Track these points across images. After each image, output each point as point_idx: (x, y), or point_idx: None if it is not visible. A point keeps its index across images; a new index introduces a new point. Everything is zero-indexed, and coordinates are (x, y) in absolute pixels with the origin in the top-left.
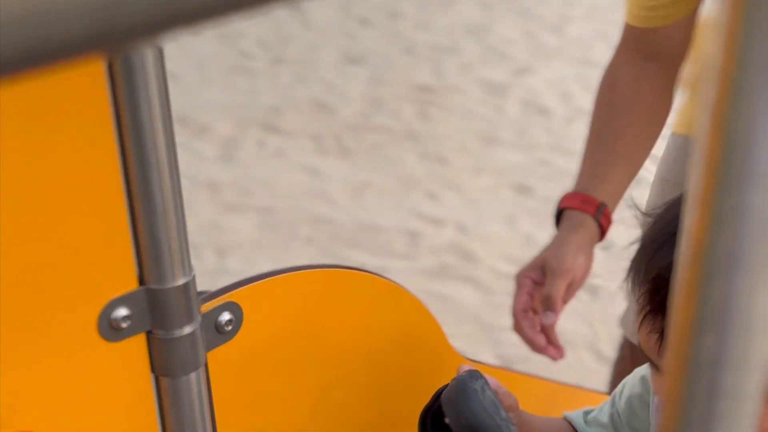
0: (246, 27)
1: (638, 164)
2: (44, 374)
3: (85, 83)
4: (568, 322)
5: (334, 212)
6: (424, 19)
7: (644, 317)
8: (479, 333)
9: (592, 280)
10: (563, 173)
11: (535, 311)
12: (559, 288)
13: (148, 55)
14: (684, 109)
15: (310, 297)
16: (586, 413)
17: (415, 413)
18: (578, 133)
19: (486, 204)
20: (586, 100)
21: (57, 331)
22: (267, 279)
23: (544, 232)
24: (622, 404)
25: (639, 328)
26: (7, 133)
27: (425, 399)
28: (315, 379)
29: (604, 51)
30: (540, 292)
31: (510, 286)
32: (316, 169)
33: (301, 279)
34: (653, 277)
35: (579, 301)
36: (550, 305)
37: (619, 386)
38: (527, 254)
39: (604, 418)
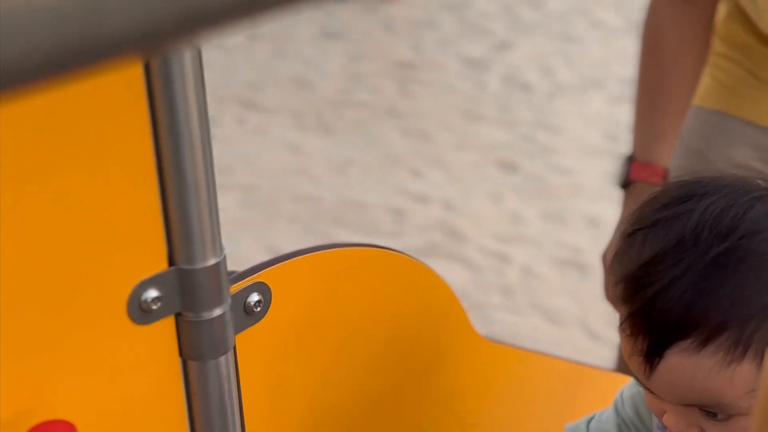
0: None
1: (687, 114)
2: (72, 359)
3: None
4: (557, 300)
5: (318, 190)
6: None
7: (624, 333)
8: (468, 311)
9: (581, 257)
10: (547, 149)
11: None
12: None
13: None
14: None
15: (338, 276)
16: (588, 421)
17: (438, 393)
18: (561, 109)
19: (471, 181)
20: (567, 76)
21: (86, 315)
22: (296, 258)
23: (531, 209)
24: (627, 411)
25: (621, 341)
26: (40, 113)
27: (448, 379)
28: (341, 359)
29: (584, 26)
30: None
31: (497, 264)
32: (297, 146)
33: (329, 258)
34: (625, 275)
35: (568, 278)
36: None
37: (618, 394)
38: (514, 231)
39: (613, 430)
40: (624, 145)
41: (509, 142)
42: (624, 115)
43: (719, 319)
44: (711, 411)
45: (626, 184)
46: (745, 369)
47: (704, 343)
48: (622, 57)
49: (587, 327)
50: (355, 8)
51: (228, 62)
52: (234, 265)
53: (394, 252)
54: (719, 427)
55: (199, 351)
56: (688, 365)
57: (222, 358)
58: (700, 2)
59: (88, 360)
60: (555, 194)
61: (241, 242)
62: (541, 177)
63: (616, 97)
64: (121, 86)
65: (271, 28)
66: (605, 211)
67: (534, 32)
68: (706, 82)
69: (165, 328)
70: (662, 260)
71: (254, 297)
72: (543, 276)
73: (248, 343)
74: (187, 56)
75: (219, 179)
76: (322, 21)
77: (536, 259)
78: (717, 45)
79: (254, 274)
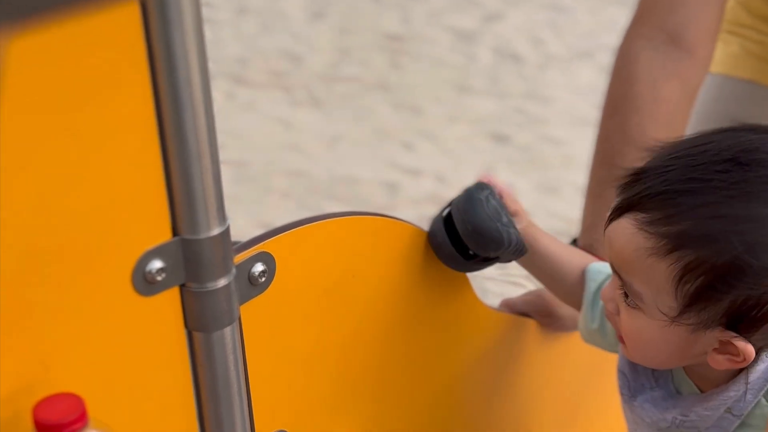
0: None
1: (706, 84)
2: (78, 332)
3: (118, 26)
4: None
5: (310, 164)
6: None
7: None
8: None
9: (574, 227)
10: (539, 121)
11: None
12: None
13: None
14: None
15: (341, 245)
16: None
17: (441, 361)
18: (551, 79)
19: (463, 153)
20: (557, 46)
21: (91, 287)
22: (299, 228)
23: (524, 181)
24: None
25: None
26: (37, 83)
27: (452, 346)
28: (345, 328)
29: None
30: None
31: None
32: (287, 121)
33: (332, 227)
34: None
35: None
36: None
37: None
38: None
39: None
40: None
41: (500, 114)
42: None
43: (673, 215)
44: (626, 292)
45: None
46: (661, 268)
47: (649, 224)
48: (610, 26)
49: None
50: None
51: (215, 37)
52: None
53: (397, 220)
54: (625, 314)
55: (204, 322)
56: (629, 233)
57: (227, 329)
58: (685, 50)
59: (93, 332)
60: (547, 165)
61: (234, 218)
62: (533, 148)
63: (606, 67)
64: (122, 55)
65: (258, 2)
66: None
67: (523, 3)
68: (733, 50)
69: (170, 299)
70: (669, 163)
71: (258, 267)
72: None
73: (253, 313)
74: (188, 20)
75: None
76: None
77: None
78: (743, 16)
79: (258, 244)
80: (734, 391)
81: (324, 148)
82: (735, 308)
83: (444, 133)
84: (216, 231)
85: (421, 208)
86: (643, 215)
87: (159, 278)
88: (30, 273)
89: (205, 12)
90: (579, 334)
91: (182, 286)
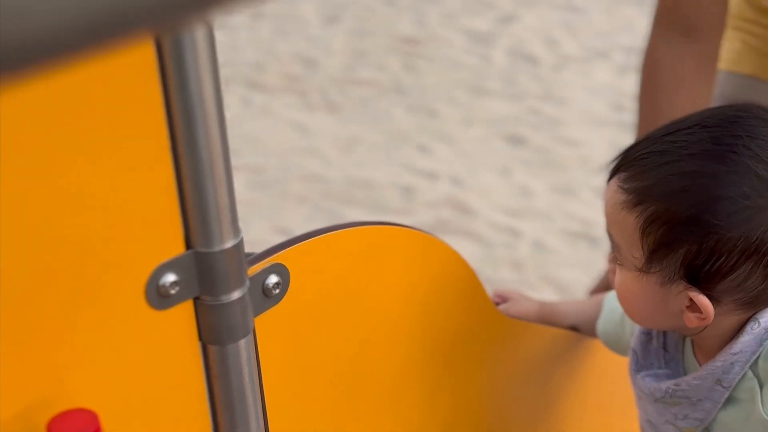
0: None
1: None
2: (92, 347)
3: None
4: (568, 273)
5: (326, 169)
6: None
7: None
8: None
9: (591, 229)
10: (554, 122)
11: None
12: None
13: None
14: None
15: (356, 256)
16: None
17: (459, 369)
18: (566, 80)
19: (479, 155)
20: (572, 47)
21: (104, 301)
22: (313, 239)
23: (539, 183)
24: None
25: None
26: (54, 98)
27: (467, 357)
28: (360, 339)
29: None
30: None
31: (507, 239)
32: (303, 125)
33: (346, 237)
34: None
35: (579, 251)
36: None
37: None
38: (523, 205)
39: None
40: (630, 115)
41: (516, 116)
42: (629, 85)
43: (642, 172)
44: (614, 252)
45: None
46: (630, 220)
47: (624, 181)
48: (626, 26)
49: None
50: None
51: (231, 42)
52: (245, 247)
53: (411, 229)
54: (617, 273)
55: (218, 335)
56: (612, 191)
57: (242, 342)
58: (699, 38)
59: (107, 347)
60: (563, 166)
61: (251, 224)
62: (549, 149)
63: (621, 67)
64: (134, 67)
65: (274, 6)
66: None
67: (538, 4)
68: (736, 46)
69: (184, 313)
70: (654, 133)
71: (273, 279)
72: (553, 249)
73: (268, 325)
74: (199, 34)
75: None
76: None
77: (546, 233)
78: (746, 11)
79: (272, 255)
80: (720, 362)
81: (340, 152)
82: (689, 261)
83: (459, 136)
84: (229, 243)
85: (438, 211)
86: (623, 174)
87: (173, 292)
88: (43, 288)
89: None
90: (588, 341)
91: (196, 299)
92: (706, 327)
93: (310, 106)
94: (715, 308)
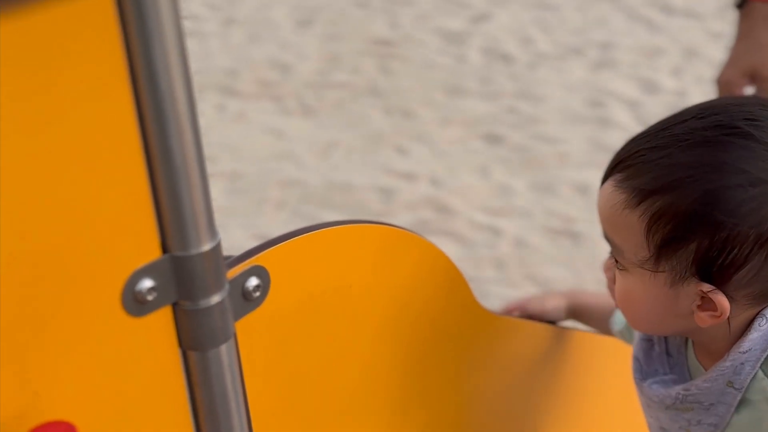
0: None
1: None
2: (68, 357)
3: (97, 38)
4: (551, 270)
5: (303, 173)
6: None
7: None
8: None
9: (573, 225)
10: (531, 120)
11: None
12: None
13: (162, 4)
14: None
15: (337, 255)
16: None
17: (443, 369)
18: (542, 78)
19: (457, 155)
20: (546, 44)
21: (79, 310)
22: (293, 239)
23: (519, 181)
24: None
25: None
26: (19, 101)
27: (454, 354)
28: (346, 339)
29: None
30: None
31: (489, 238)
32: (279, 131)
33: (327, 237)
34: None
35: (561, 248)
36: None
37: None
38: (504, 204)
39: None
40: (607, 111)
41: (493, 114)
42: (605, 81)
43: (641, 168)
44: (615, 257)
45: (741, 3)
46: (633, 219)
47: (623, 181)
48: (599, 23)
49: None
50: None
51: (203, 49)
52: (225, 253)
53: (392, 227)
54: (617, 279)
55: (198, 340)
56: (608, 192)
57: (223, 347)
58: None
59: (84, 357)
60: (542, 164)
61: (230, 230)
62: (527, 147)
63: (596, 63)
64: (102, 68)
65: (245, 12)
66: (593, 178)
67: (511, 2)
68: None
69: (162, 319)
70: (655, 126)
71: (253, 281)
72: (535, 247)
73: (249, 329)
74: (168, 28)
75: None
76: (296, 2)
77: (527, 230)
78: None
79: (251, 257)
80: (730, 361)
81: (317, 156)
82: (701, 256)
83: (437, 136)
84: (207, 246)
85: (418, 213)
86: (619, 174)
87: (150, 298)
88: (14, 298)
89: (192, 24)
90: (582, 336)
91: (174, 305)
92: (713, 327)
93: (285, 110)
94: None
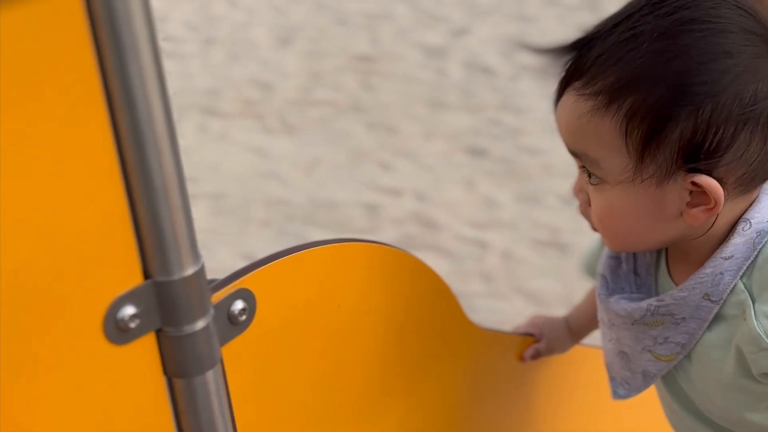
0: (170, 11)
1: None
2: (49, 387)
3: (71, 61)
4: (539, 281)
5: (287, 191)
6: None
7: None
8: None
9: (560, 236)
10: (515, 131)
11: None
12: None
13: (137, 25)
14: None
15: (323, 275)
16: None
17: (435, 386)
18: (524, 89)
19: (441, 169)
20: (527, 56)
21: (60, 339)
22: (278, 261)
23: (504, 193)
24: None
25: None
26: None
27: (445, 370)
28: (335, 360)
29: (538, 5)
30: None
31: (475, 251)
32: (262, 149)
33: (312, 257)
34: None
35: (548, 259)
36: None
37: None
38: (490, 216)
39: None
40: None
41: (476, 127)
42: None
43: (604, 69)
44: (588, 171)
45: None
46: (606, 125)
47: (585, 87)
48: (580, 33)
49: (572, 306)
50: (308, 5)
51: (184, 70)
52: (211, 274)
53: (377, 244)
54: (594, 196)
55: (184, 367)
56: (570, 103)
57: (209, 373)
58: None
59: (66, 387)
60: (527, 175)
61: (215, 251)
62: (511, 159)
63: None
64: (78, 95)
65: (225, 32)
66: None
67: (489, 15)
68: None
69: (146, 346)
70: (602, 26)
71: (238, 305)
72: (523, 259)
73: (236, 354)
74: (144, 49)
75: None
76: (276, 21)
77: (514, 243)
78: None
79: (236, 280)
80: (711, 268)
81: (301, 174)
82: (686, 142)
83: (421, 151)
84: (190, 270)
85: (404, 228)
86: (579, 82)
87: (132, 325)
88: None
89: (172, 46)
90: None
91: (158, 332)
92: (698, 231)
93: (268, 129)
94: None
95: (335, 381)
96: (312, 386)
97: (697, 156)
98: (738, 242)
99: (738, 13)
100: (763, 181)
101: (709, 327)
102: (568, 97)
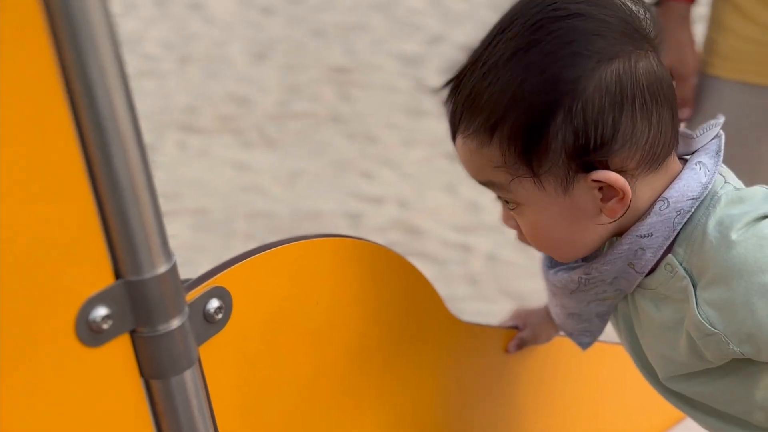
0: (146, 30)
1: None
2: (22, 392)
3: (31, 64)
4: (525, 283)
5: (270, 204)
6: (327, 0)
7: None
8: None
9: None
10: None
11: None
12: (690, 88)
13: (95, 19)
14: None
15: (300, 271)
16: None
17: (419, 381)
18: None
19: (423, 176)
20: None
21: (31, 343)
22: (252, 257)
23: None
24: None
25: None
26: None
27: (427, 364)
28: (314, 358)
29: None
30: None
31: (460, 255)
32: (243, 164)
33: (288, 253)
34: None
35: (534, 260)
36: (686, 104)
37: None
38: (473, 220)
39: None
40: None
41: None
42: None
43: (474, 109)
44: (503, 198)
45: (658, 2)
46: (494, 152)
47: (466, 129)
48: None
49: None
50: (284, 19)
51: (161, 89)
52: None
53: (353, 239)
54: (519, 219)
55: (160, 368)
56: (463, 146)
57: (187, 373)
58: None
59: (39, 393)
60: None
61: (199, 266)
62: None
63: None
64: (37, 92)
65: (200, 49)
66: None
67: (464, 22)
68: None
69: (120, 348)
70: (466, 63)
71: (214, 303)
72: (508, 261)
73: (213, 353)
74: (104, 45)
75: (167, 206)
76: (251, 36)
77: (499, 245)
78: None
79: (211, 278)
80: (627, 245)
81: (283, 187)
82: (571, 146)
83: (402, 158)
84: (162, 269)
85: (388, 235)
86: (462, 125)
87: (105, 326)
88: None
89: (149, 64)
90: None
91: (132, 332)
92: (629, 212)
93: (248, 144)
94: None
95: (316, 377)
96: (293, 383)
97: (586, 155)
98: (654, 221)
99: (579, 8)
100: (668, 155)
101: (658, 308)
102: (458, 140)
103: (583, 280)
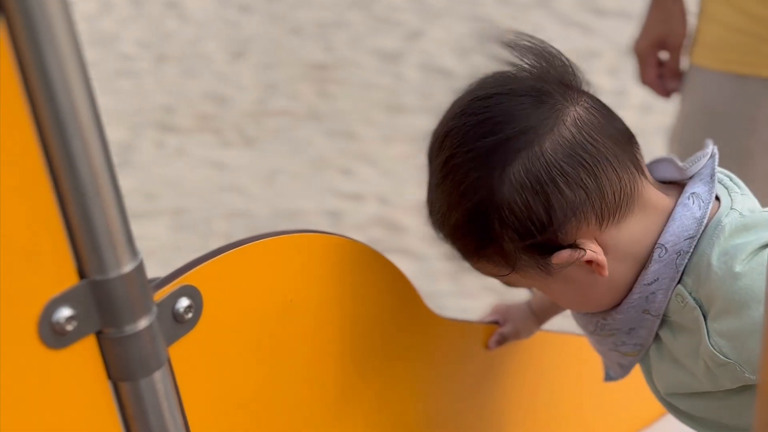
0: (122, 29)
1: None
2: None
3: None
4: None
5: (249, 203)
6: None
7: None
8: None
9: None
10: None
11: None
12: (679, 58)
13: (52, 11)
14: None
15: (272, 268)
16: None
17: (395, 378)
18: None
19: (403, 172)
20: (482, 56)
21: None
22: (224, 254)
23: None
24: None
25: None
26: None
27: (405, 361)
28: (289, 357)
29: (492, 4)
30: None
31: (442, 251)
32: (221, 163)
33: (259, 250)
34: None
35: None
36: (676, 75)
37: None
38: None
39: None
40: None
41: None
42: None
43: (438, 225)
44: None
45: None
46: (474, 261)
47: (444, 240)
48: (534, 31)
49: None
50: (261, 17)
51: (138, 88)
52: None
53: (326, 234)
54: (538, 290)
55: (128, 370)
56: (450, 250)
57: (156, 374)
58: None
59: (2, 398)
60: None
61: (177, 267)
62: None
63: None
64: None
65: (176, 48)
66: None
67: (443, 17)
68: None
69: (86, 350)
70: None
71: (183, 302)
72: None
73: (184, 353)
74: (62, 35)
75: (145, 206)
76: (228, 34)
77: None
78: None
79: (180, 276)
80: (638, 294)
81: (262, 185)
82: (522, 243)
83: (381, 155)
84: (128, 268)
85: (368, 232)
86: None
87: (69, 328)
88: None
89: (125, 63)
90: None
91: (98, 334)
92: (626, 266)
93: (225, 142)
94: (592, 243)
95: (291, 377)
96: (267, 383)
97: (537, 242)
98: (656, 269)
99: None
100: (633, 197)
101: (675, 337)
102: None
103: (600, 325)
